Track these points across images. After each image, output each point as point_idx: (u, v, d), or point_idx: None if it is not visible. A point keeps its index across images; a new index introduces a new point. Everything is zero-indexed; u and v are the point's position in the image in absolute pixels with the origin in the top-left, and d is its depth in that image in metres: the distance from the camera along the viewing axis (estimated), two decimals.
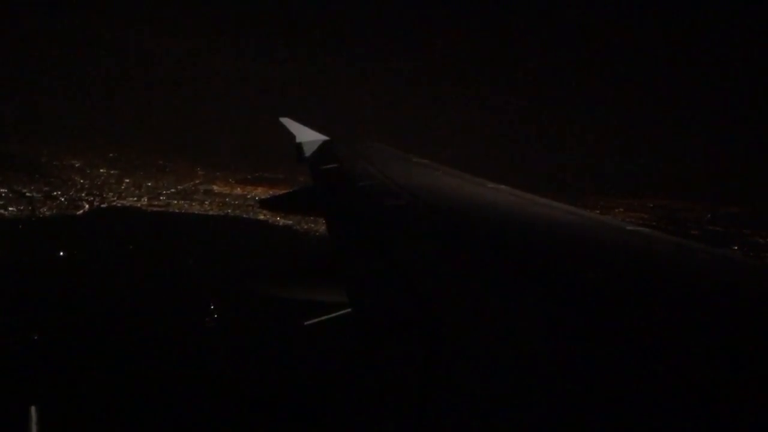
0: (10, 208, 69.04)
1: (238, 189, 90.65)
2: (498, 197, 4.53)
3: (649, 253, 2.91)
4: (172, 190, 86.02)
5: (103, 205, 76.50)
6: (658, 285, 2.38)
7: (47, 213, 70.41)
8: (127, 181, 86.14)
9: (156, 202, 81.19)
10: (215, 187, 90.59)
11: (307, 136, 8.44)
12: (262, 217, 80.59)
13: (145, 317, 38.95)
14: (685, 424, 1.30)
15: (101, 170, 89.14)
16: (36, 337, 35.38)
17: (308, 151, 7.79)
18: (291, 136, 8.60)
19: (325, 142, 8.22)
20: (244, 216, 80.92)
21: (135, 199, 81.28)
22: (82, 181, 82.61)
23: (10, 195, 71.47)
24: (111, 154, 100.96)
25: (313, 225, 76.48)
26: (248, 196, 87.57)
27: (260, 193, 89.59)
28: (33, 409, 24.00)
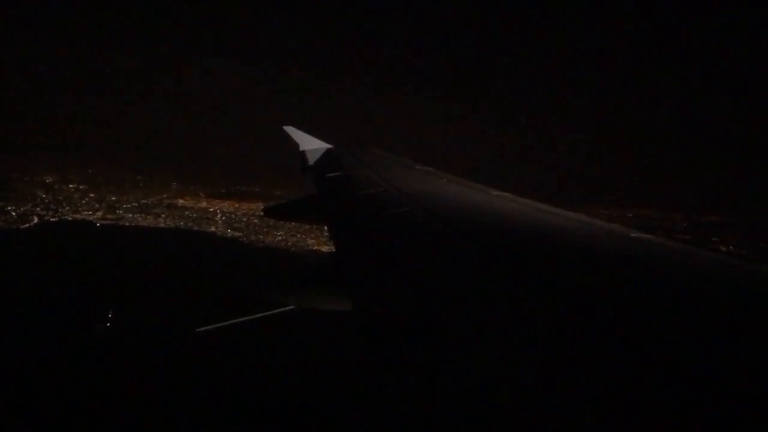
0: None
1: (204, 203, 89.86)
2: (502, 205, 4.53)
3: (655, 259, 2.91)
4: (134, 204, 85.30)
5: (52, 219, 76.03)
6: (664, 291, 2.37)
7: None
8: (92, 195, 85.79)
9: (110, 216, 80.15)
10: (181, 201, 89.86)
11: (311, 144, 8.59)
12: (213, 229, 79.76)
13: (40, 323, 40.46)
14: (694, 428, 1.32)
15: (71, 185, 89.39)
16: None
17: (312, 159, 7.85)
18: (294, 145, 8.70)
19: (328, 150, 8.34)
20: (195, 228, 79.73)
21: (90, 213, 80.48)
22: (44, 195, 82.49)
23: None
24: (90, 170, 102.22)
25: (261, 236, 75.16)
26: (210, 210, 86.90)
27: (226, 206, 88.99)
28: None
